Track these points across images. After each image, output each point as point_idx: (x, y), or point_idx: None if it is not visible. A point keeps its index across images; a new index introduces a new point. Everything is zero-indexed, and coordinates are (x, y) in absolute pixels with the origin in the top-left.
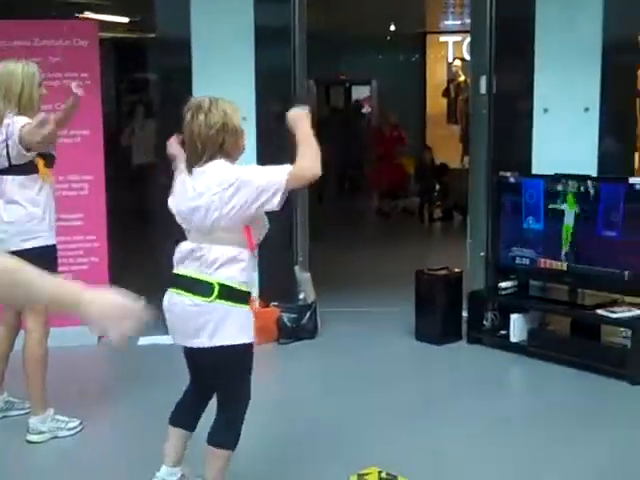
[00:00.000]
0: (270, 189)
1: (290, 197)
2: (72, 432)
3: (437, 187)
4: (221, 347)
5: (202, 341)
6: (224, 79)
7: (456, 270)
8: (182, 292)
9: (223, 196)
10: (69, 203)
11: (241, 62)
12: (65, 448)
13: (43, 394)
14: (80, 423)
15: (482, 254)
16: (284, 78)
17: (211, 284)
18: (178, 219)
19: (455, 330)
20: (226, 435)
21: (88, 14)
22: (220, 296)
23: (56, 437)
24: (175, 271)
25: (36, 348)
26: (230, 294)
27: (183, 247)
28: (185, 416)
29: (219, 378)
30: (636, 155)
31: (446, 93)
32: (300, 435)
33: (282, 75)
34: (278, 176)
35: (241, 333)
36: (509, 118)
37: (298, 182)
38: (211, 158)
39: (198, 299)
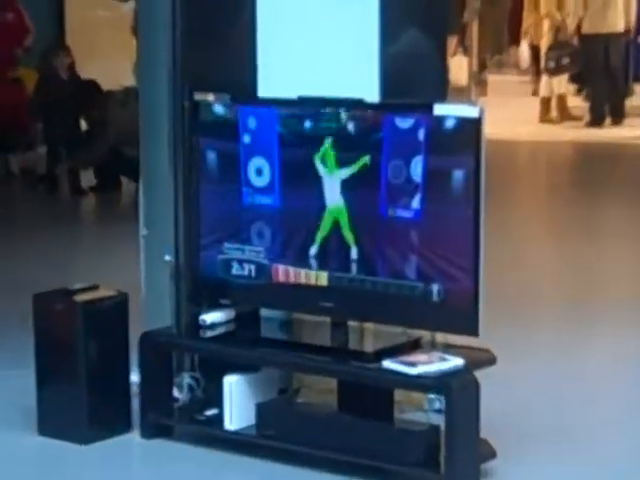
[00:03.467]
0: None
1: None
2: None
3: (83, 126)
4: None
5: None
6: None
7: (114, 292)
8: None
9: None
10: None
11: None
12: None
13: None
14: None
15: (168, 258)
16: None
17: None
18: None
19: (116, 413)
20: None
21: None
22: None
23: None
24: None
25: None
26: None
27: None
28: None
29: None
30: (463, 61)
31: None
32: None
33: None
34: None
35: None
36: None
37: None
38: None
39: None
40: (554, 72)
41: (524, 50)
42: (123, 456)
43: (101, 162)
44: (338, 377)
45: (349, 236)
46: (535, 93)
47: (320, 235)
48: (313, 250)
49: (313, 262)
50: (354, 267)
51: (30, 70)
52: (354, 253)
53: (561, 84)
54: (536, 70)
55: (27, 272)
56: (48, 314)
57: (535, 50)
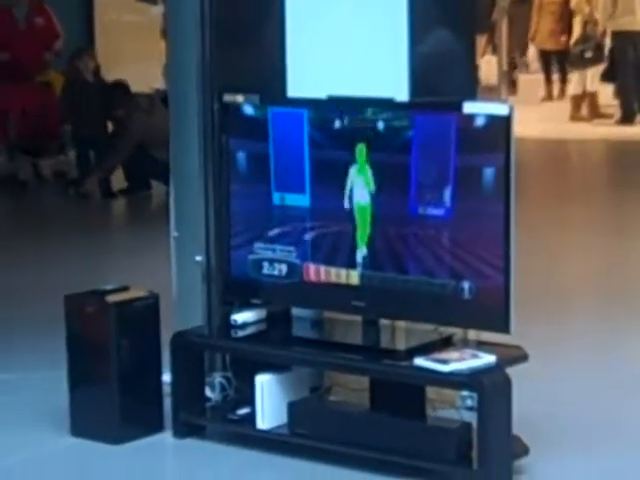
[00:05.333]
0: None
1: None
2: None
3: (110, 128)
4: None
5: None
6: None
7: (145, 293)
8: None
9: None
10: None
11: None
12: None
13: None
14: None
15: (198, 258)
16: None
17: None
18: None
19: (149, 412)
20: None
21: None
22: None
23: None
24: None
25: None
26: None
27: None
28: None
29: None
30: (492, 60)
31: None
32: None
33: None
34: None
35: None
36: None
37: None
38: None
39: None
40: (578, 66)
41: (532, 54)
42: (156, 456)
43: (128, 163)
44: (370, 375)
45: (365, 233)
46: (546, 99)
47: (362, 236)
48: (360, 254)
49: (345, 260)
50: (384, 267)
51: (59, 75)
52: (384, 252)
53: (593, 82)
54: (546, 75)
55: (58, 274)
56: (80, 315)
57: (545, 55)
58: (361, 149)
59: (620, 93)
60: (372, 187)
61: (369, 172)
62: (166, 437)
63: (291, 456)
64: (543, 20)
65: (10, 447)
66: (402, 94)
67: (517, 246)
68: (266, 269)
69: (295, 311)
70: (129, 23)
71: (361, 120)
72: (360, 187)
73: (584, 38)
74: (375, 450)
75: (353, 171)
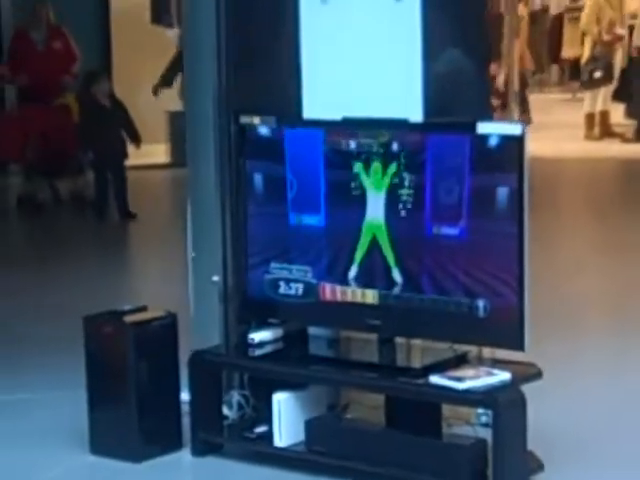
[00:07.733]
0: None
1: None
2: None
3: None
4: None
5: None
6: None
7: (163, 312)
8: None
9: None
10: None
11: None
12: None
13: None
14: None
15: (215, 278)
16: None
17: None
18: None
19: (167, 431)
20: None
21: None
22: None
23: None
24: None
25: None
26: None
27: None
28: None
29: None
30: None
31: None
32: None
33: None
34: None
35: None
36: (257, 17)
37: None
38: None
39: None
40: (587, 86)
41: None
42: (174, 474)
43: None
44: (386, 393)
45: (390, 255)
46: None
47: (359, 254)
48: (353, 271)
49: (353, 282)
50: (399, 285)
51: (75, 98)
52: (396, 271)
53: (606, 101)
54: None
55: (77, 295)
56: (99, 336)
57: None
58: (376, 170)
59: (636, 111)
60: (387, 207)
61: (384, 192)
62: (184, 455)
63: (308, 474)
64: None
65: (31, 466)
66: (416, 115)
67: (531, 263)
68: (283, 289)
69: (312, 330)
70: (146, 46)
71: (376, 141)
72: (373, 201)
73: (593, 59)
74: (391, 467)
75: (367, 191)
